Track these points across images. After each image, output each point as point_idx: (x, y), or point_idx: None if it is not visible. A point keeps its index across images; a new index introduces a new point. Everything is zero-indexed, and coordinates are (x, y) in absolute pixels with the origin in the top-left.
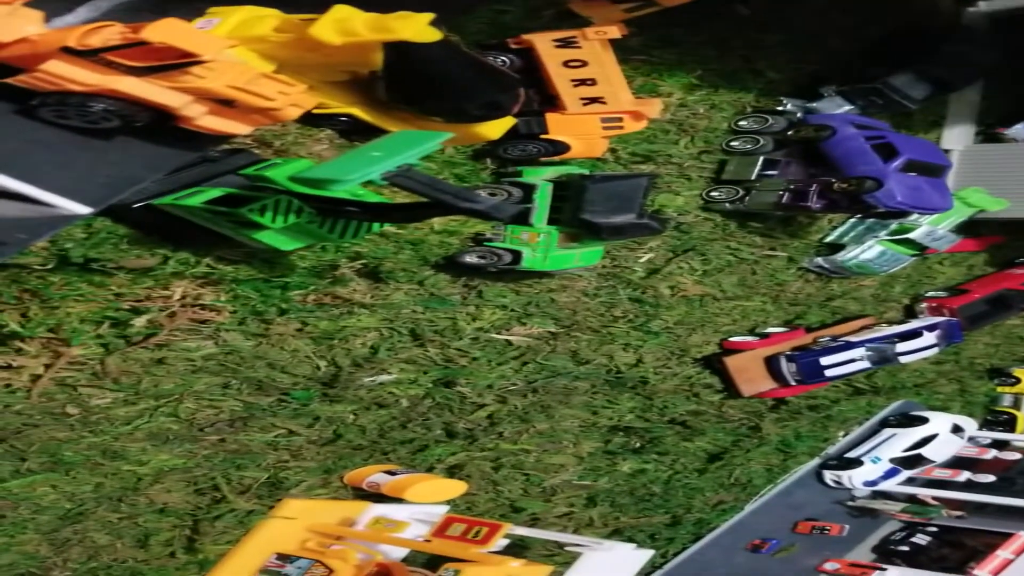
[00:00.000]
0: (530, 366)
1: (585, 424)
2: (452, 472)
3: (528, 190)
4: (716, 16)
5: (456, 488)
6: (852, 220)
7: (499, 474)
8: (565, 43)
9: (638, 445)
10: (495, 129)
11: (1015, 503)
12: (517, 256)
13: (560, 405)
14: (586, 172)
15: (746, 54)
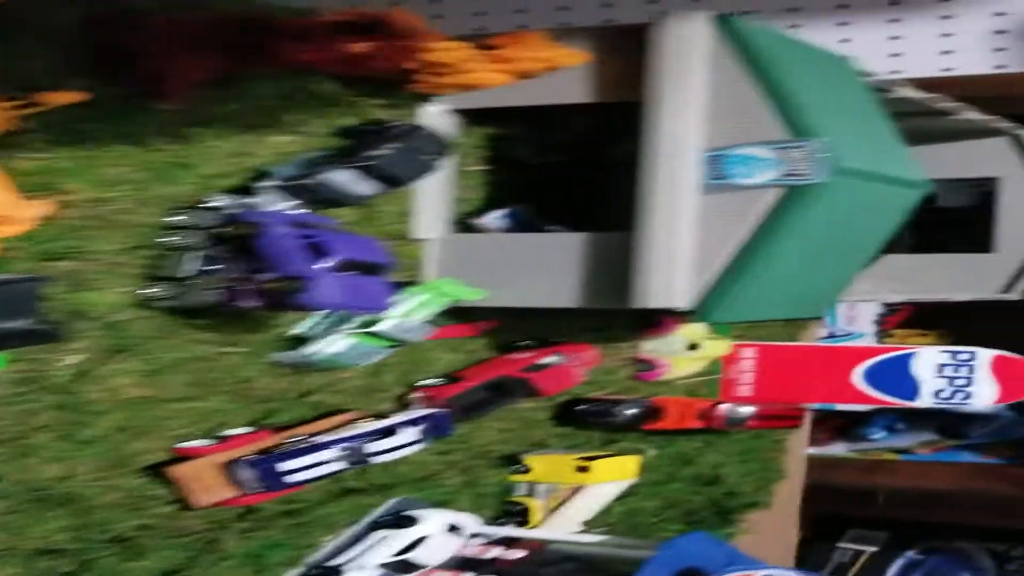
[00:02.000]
0: None
1: (3, 549)
2: None
3: None
4: (142, 110)
5: None
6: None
7: None
8: None
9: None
10: None
11: None
12: None
13: None
14: None
15: (179, 148)
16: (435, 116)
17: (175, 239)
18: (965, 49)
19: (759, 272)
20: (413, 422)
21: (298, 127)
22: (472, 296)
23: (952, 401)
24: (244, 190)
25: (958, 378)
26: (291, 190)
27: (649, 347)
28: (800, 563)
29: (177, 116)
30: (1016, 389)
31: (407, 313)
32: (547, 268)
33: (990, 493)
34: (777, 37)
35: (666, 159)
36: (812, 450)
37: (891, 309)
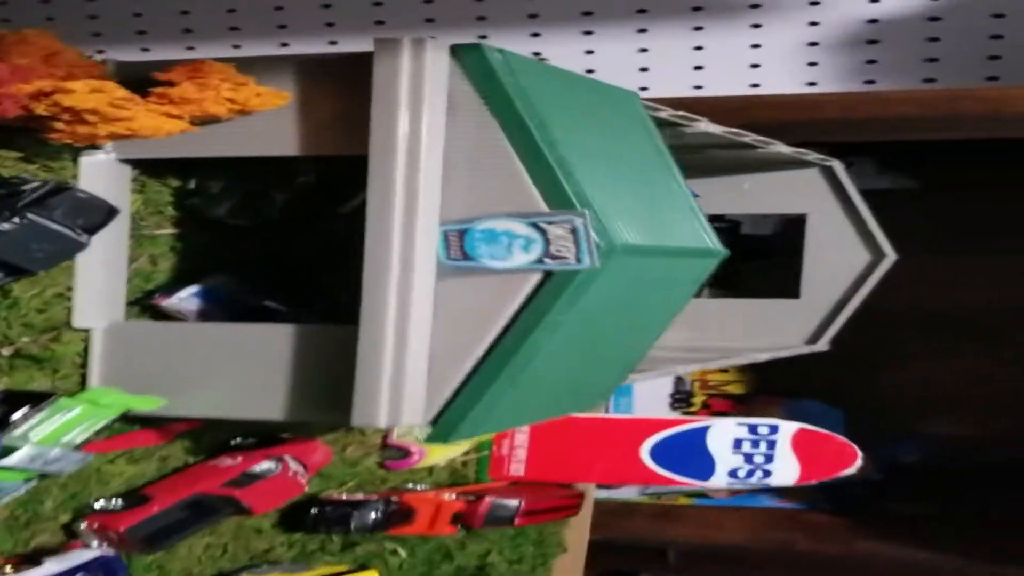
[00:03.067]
0: None
1: None
2: None
3: None
4: None
5: None
6: None
7: None
8: None
9: None
10: None
11: None
12: None
13: None
14: None
15: None
16: (97, 169)
17: None
18: (773, 63)
19: (515, 375)
20: (72, 572)
21: None
22: (144, 406)
23: (749, 481)
24: None
25: (756, 455)
26: None
27: (401, 430)
28: None
29: None
30: (819, 468)
31: (52, 436)
32: (248, 369)
33: (788, 548)
34: (539, 73)
35: (392, 233)
36: (602, 493)
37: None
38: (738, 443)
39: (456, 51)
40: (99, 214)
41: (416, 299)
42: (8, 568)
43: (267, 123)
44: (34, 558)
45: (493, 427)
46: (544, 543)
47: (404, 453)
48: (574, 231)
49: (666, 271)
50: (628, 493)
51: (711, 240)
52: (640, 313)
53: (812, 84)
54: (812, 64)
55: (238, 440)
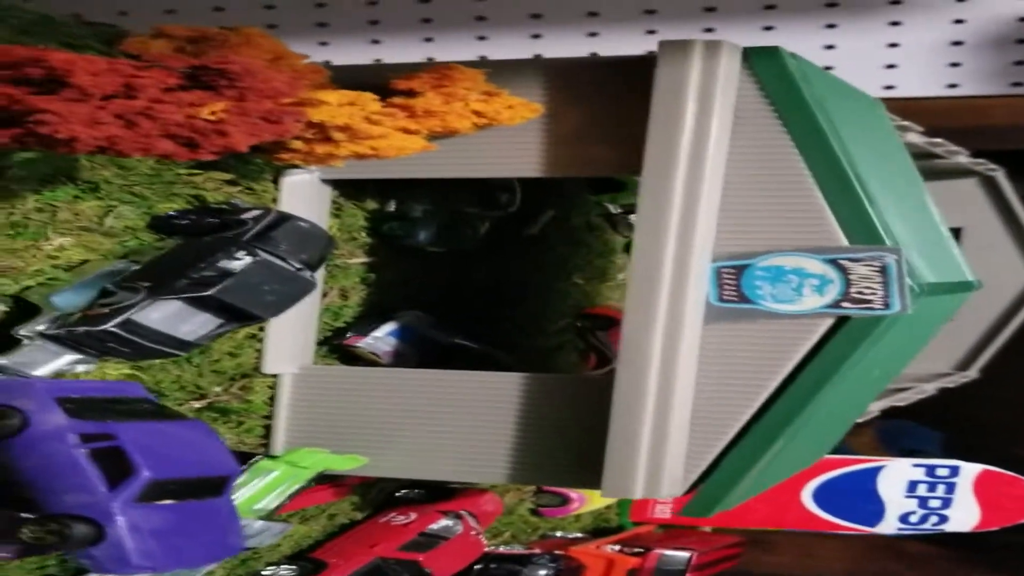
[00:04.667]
0: None
1: None
2: None
3: None
4: None
5: None
6: None
7: None
8: None
9: None
10: None
11: None
12: None
13: None
14: None
15: None
16: (299, 191)
17: None
18: (911, 63)
19: (795, 434)
20: None
21: (85, 221)
22: (346, 466)
23: (922, 527)
24: None
25: (932, 499)
26: (70, 337)
27: None
28: None
29: None
30: (1002, 513)
31: (249, 503)
32: (471, 424)
33: None
34: (821, 79)
35: (663, 269)
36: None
37: None
38: (912, 485)
39: (748, 55)
40: (320, 246)
41: (684, 348)
42: None
43: (505, 140)
44: None
45: (756, 491)
46: None
47: (563, 500)
48: (883, 270)
49: (937, 308)
50: None
51: (969, 271)
52: (901, 355)
53: (953, 86)
54: (954, 65)
55: (403, 492)
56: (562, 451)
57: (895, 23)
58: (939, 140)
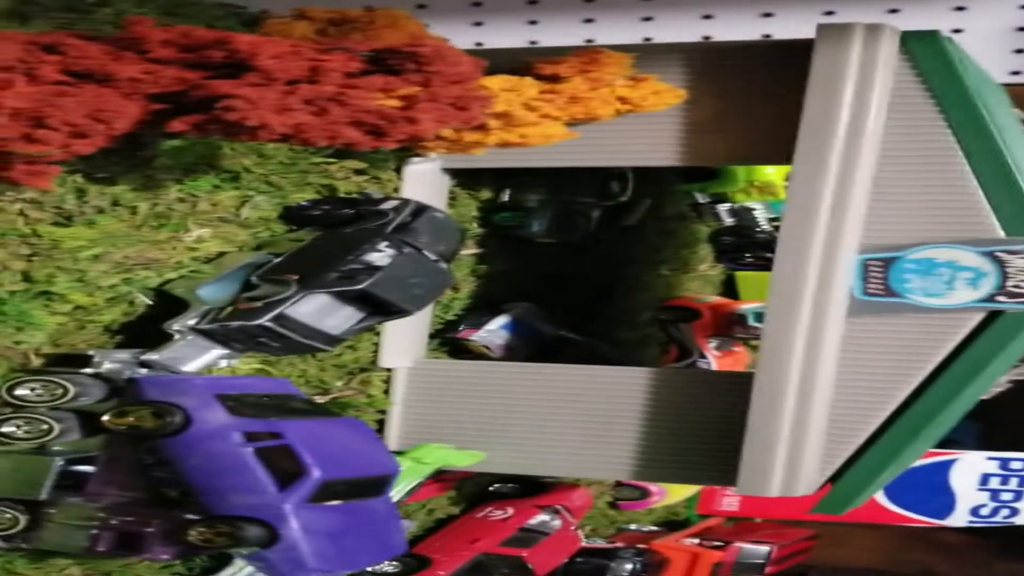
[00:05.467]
0: None
1: None
2: None
3: None
4: None
5: None
6: None
7: None
8: None
9: None
10: None
11: None
12: None
13: None
14: None
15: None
16: (421, 180)
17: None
18: (974, 50)
19: (934, 431)
20: None
21: (222, 212)
22: (466, 462)
23: (992, 520)
24: (137, 337)
25: (1004, 492)
26: (222, 332)
27: None
28: None
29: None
30: None
31: None
32: (581, 418)
33: (929, 571)
34: (973, 65)
35: (809, 261)
36: None
37: None
38: (985, 479)
39: (905, 39)
40: (455, 238)
41: (827, 345)
42: None
43: (641, 127)
44: None
45: (885, 483)
46: None
47: (643, 493)
48: None
49: None
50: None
51: None
52: None
53: (1016, 73)
54: (1019, 52)
55: (497, 486)
56: (693, 447)
57: (959, 8)
58: None
